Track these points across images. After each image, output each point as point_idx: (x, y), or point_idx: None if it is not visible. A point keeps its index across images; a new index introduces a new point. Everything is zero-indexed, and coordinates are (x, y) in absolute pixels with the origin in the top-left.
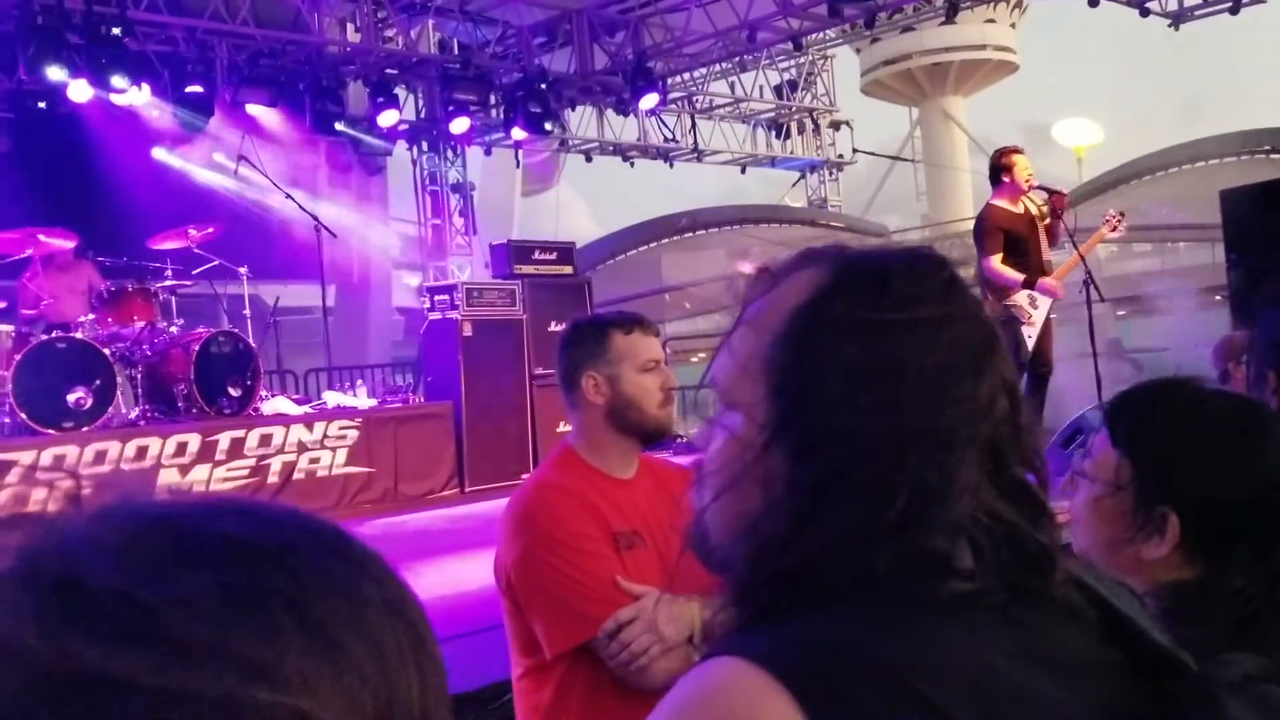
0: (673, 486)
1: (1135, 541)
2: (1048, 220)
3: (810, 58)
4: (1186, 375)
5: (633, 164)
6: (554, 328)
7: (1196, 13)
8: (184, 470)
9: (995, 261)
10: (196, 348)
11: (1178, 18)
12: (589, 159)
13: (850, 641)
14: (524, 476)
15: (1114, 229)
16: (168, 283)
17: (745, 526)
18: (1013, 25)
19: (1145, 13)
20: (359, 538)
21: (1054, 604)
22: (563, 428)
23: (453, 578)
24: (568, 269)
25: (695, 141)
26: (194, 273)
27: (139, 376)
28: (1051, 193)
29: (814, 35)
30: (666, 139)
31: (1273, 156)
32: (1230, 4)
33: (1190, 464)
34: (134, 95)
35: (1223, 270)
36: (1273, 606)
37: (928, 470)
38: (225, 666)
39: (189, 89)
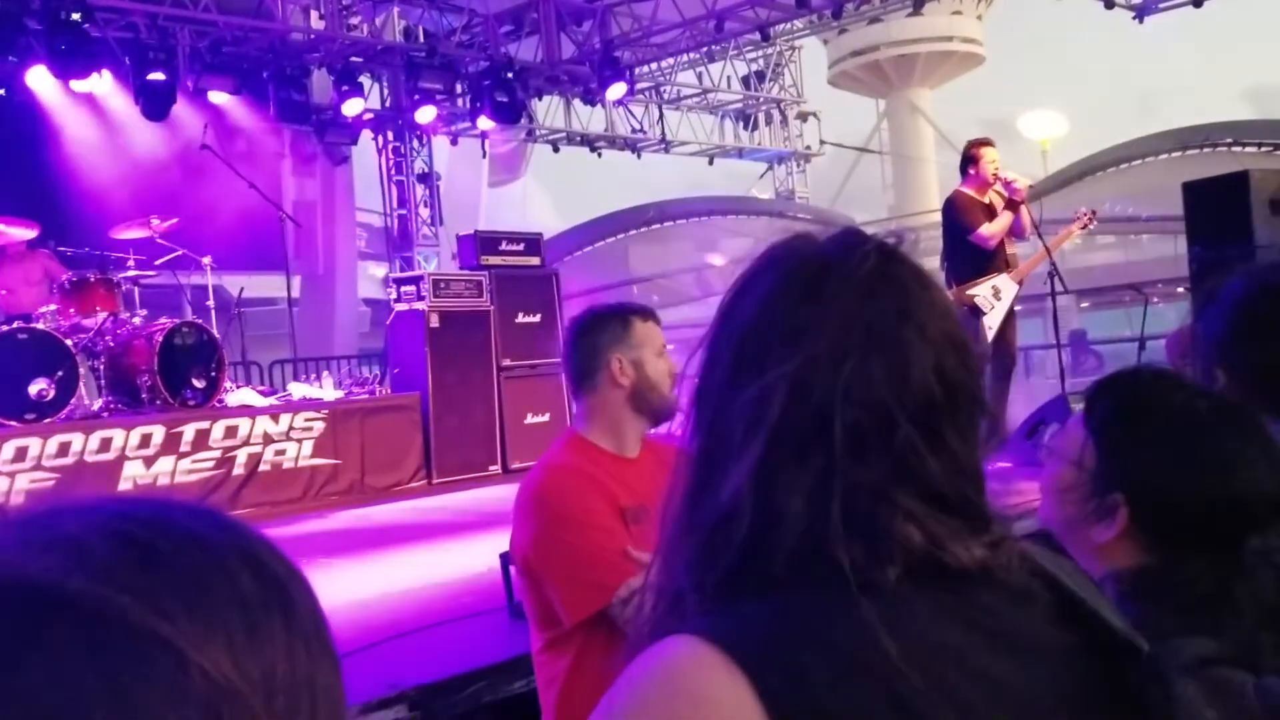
0: (670, 462)
1: (1087, 522)
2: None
3: (778, 49)
4: (1172, 367)
5: (600, 154)
6: (521, 319)
7: (1160, 5)
8: (148, 462)
9: (984, 230)
10: (160, 339)
11: (1142, 10)
12: (556, 149)
13: (799, 621)
14: (492, 468)
15: (1084, 226)
16: (130, 273)
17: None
18: (979, 17)
19: (1110, 5)
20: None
21: (1008, 585)
22: (530, 419)
23: (421, 571)
24: (535, 260)
25: (663, 132)
26: (157, 263)
27: (102, 368)
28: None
29: (781, 26)
30: (634, 129)
31: (1234, 150)
32: None
33: (1148, 455)
34: (95, 82)
35: (1184, 263)
36: (1224, 595)
37: (821, 455)
38: (102, 586)
39: (150, 76)
